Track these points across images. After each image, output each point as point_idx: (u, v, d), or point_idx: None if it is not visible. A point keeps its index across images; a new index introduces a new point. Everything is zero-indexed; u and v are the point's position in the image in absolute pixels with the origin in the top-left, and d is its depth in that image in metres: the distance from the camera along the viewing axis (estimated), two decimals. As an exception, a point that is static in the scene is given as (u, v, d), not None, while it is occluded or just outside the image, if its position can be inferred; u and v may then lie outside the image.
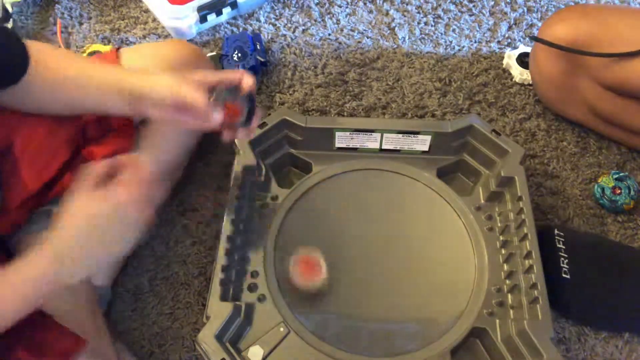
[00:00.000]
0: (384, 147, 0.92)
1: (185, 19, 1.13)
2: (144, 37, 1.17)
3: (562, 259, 0.83)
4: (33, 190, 0.73)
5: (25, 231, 0.75)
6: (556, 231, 0.86)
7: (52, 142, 0.74)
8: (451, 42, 1.17)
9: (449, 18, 1.21)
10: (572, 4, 1.25)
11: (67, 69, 0.71)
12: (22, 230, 0.75)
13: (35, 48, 0.69)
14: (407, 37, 1.18)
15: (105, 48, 1.12)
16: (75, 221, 0.59)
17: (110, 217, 0.60)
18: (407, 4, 1.24)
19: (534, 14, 1.22)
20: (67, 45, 1.16)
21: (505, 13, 1.22)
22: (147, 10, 1.22)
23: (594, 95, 0.94)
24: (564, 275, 0.82)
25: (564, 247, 0.84)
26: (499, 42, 1.17)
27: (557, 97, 1.00)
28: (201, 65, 0.90)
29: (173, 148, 0.87)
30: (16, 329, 0.64)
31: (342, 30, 1.19)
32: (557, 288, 0.81)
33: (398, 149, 0.92)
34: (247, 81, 0.72)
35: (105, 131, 0.80)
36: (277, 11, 1.22)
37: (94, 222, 0.59)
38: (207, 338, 0.69)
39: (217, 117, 0.68)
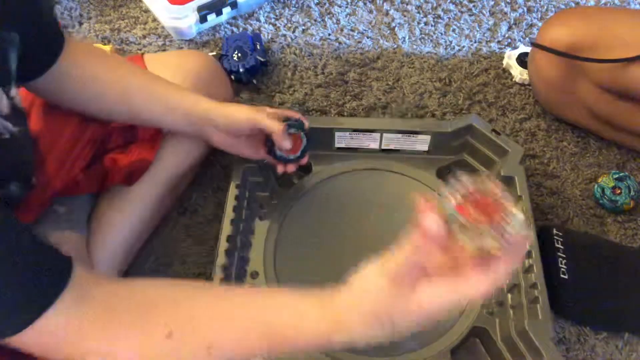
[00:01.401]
0: (384, 147, 0.92)
1: (185, 19, 1.14)
2: (144, 37, 1.17)
3: (561, 259, 0.83)
4: (57, 188, 0.73)
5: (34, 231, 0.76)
6: (554, 231, 0.86)
7: (78, 143, 0.76)
8: (451, 42, 1.17)
9: (449, 18, 1.21)
10: (573, 4, 1.25)
11: (113, 73, 0.75)
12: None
13: (74, 44, 0.71)
14: (407, 37, 1.18)
15: (106, 48, 1.12)
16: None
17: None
18: (407, 4, 1.24)
19: (534, 14, 1.22)
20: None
21: (505, 13, 1.22)
22: (147, 10, 1.22)
23: (593, 98, 0.94)
24: (562, 276, 0.82)
25: (562, 247, 0.84)
26: (499, 42, 1.17)
27: (556, 100, 0.99)
28: (218, 79, 0.93)
29: (191, 157, 0.90)
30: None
31: (342, 30, 1.19)
32: (555, 288, 0.81)
33: (398, 149, 0.92)
34: (305, 122, 0.80)
35: (129, 141, 0.81)
36: (277, 11, 1.22)
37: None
38: (207, 338, 0.69)
39: (287, 144, 0.76)
